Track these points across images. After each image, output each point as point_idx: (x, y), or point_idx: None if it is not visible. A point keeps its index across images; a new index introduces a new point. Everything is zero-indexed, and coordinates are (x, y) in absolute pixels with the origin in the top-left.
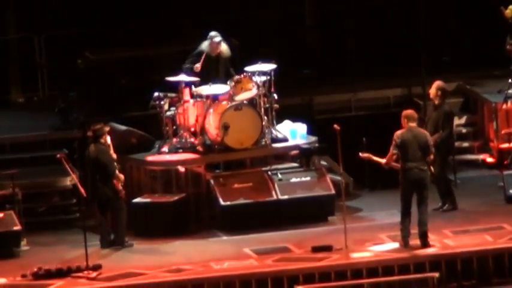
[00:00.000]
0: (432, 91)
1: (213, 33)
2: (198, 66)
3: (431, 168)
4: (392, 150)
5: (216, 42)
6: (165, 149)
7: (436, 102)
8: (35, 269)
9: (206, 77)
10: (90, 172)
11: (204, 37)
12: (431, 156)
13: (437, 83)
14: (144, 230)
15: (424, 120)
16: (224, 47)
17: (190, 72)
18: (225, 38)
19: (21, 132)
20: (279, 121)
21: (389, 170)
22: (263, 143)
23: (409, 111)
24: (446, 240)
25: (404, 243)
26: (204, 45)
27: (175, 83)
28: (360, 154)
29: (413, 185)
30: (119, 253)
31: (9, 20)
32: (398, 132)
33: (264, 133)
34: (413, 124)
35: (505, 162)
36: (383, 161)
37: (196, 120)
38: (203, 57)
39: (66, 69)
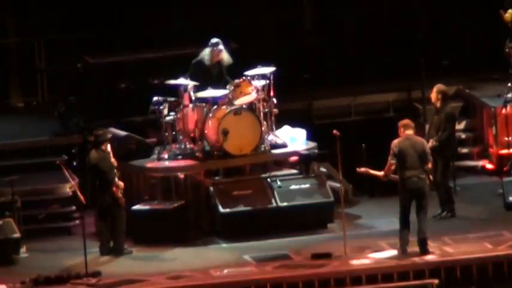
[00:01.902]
0: (433, 94)
1: (214, 41)
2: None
3: (430, 176)
4: (391, 160)
5: (218, 50)
6: (165, 155)
7: (438, 105)
8: (35, 276)
9: (206, 85)
10: (90, 178)
11: (203, 42)
12: (430, 165)
13: (438, 86)
14: (144, 237)
15: (423, 125)
16: (225, 55)
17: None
18: (225, 43)
19: (21, 137)
20: (278, 126)
21: (388, 182)
22: (262, 149)
23: (405, 121)
24: (446, 247)
25: (402, 251)
26: (205, 52)
27: (174, 87)
28: (357, 169)
29: (412, 194)
30: (118, 260)
31: (9, 24)
32: (396, 141)
33: (264, 139)
34: (410, 132)
35: (505, 168)
36: (381, 173)
37: (196, 126)
38: (204, 68)
39: (66, 74)
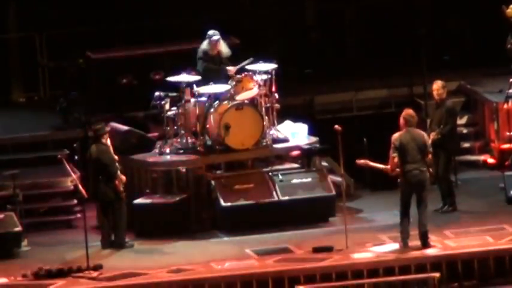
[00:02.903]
0: (437, 88)
1: (210, 32)
2: (231, 69)
3: (430, 169)
4: (393, 154)
5: (214, 40)
6: (166, 149)
7: (441, 99)
8: (36, 269)
9: (208, 77)
10: (91, 172)
11: (204, 37)
12: (430, 157)
13: (440, 82)
14: (145, 231)
15: (425, 120)
16: (223, 47)
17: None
18: (224, 37)
19: (22, 132)
20: (280, 121)
21: (396, 176)
22: (264, 143)
23: (408, 112)
24: (447, 241)
25: (403, 244)
26: (204, 45)
27: (176, 82)
28: (357, 161)
29: (412, 187)
30: (119, 253)
31: (10, 19)
32: (397, 135)
33: (265, 133)
34: (410, 127)
35: (506, 163)
36: (383, 166)
37: (197, 120)
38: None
39: (68, 69)
